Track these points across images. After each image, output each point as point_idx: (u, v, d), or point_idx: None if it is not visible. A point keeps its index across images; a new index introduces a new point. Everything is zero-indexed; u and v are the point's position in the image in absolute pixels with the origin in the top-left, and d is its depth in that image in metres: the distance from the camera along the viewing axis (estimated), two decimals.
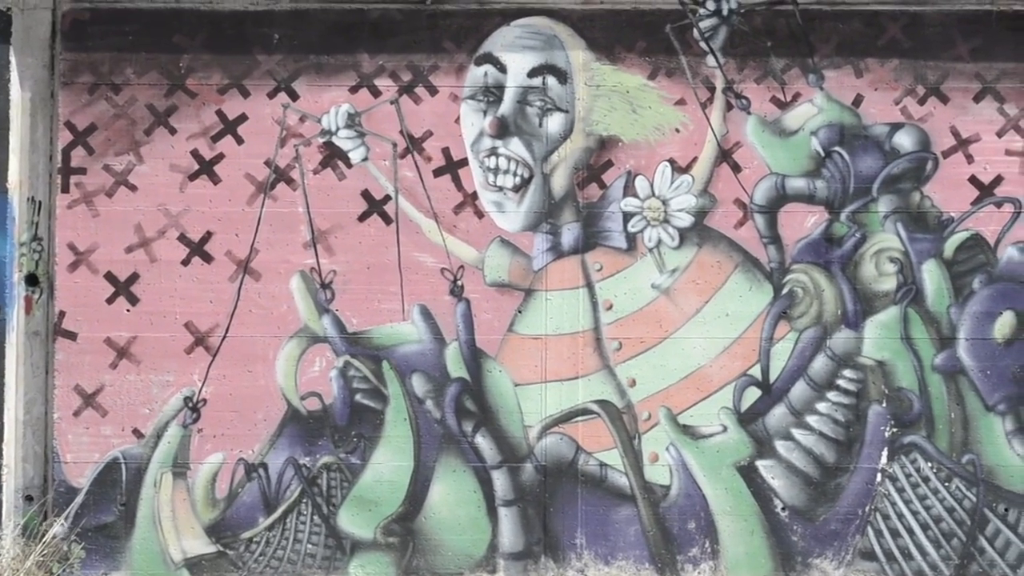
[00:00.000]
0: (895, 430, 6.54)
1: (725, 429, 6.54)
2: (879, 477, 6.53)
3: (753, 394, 6.55)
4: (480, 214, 6.61)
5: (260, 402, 6.55)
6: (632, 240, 6.60)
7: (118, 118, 6.63)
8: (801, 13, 6.62)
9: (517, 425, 6.55)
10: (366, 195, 6.61)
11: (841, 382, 6.55)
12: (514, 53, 6.63)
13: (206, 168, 6.61)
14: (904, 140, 6.60)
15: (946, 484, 6.52)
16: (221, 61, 6.63)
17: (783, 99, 6.62)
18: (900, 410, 6.54)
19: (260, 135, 6.61)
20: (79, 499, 6.53)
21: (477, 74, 6.64)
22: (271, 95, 6.63)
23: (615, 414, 6.56)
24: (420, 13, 6.64)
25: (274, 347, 6.55)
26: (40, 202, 6.60)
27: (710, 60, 6.63)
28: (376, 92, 6.63)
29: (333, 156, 6.62)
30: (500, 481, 6.53)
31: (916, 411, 6.53)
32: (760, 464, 6.54)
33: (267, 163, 6.61)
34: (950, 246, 6.57)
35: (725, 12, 6.62)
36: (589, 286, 6.59)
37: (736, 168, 6.60)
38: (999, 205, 6.59)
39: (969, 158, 6.60)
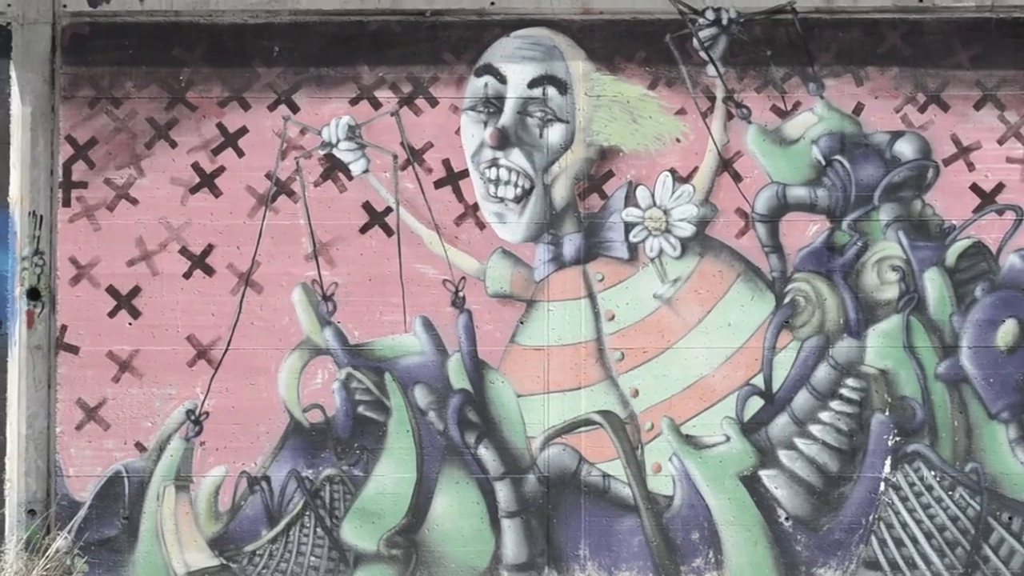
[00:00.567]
0: (898, 439, 6.53)
1: (728, 439, 6.54)
2: (883, 486, 6.52)
3: (756, 404, 6.55)
4: (481, 225, 6.61)
5: (262, 415, 6.55)
6: (634, 250, 6.60)
7: (119, 132, 6.63)
8: (800, 22, 6.63)
9: (520, 436, 6.55)
10: (367, 207, 6.61)
11: (844, 391, 6.54)
12: (514, 64, 6.64)
13: (207, 181, 6.62)
14: (905, 148, 6.60)
15: (950, 493, 6.51)
16: (221, 74, 6.63)
17: (783, 108, 6.62)
18: (903, 419, 6.53)
19: (261, 148, 6.61)
20: (82, 513, 6.53)
21: (477, 85, 6.64)
22: (271, 108, 6.63)
23: (618, 424, 6.56)
24: (420, 25, 6.64)
25: (276, 360, 6.55)
26: (41, 216, 6.60)
27: (710, 70, 6.63)
28: (376, 104, 6.64)
29: (334, 168, 6.62)
30: (503, 492, 6.53)
31: (919, 420, 6.53)
32: (763, 474, 6.53)
33: (268, 176, 6.62)
34: (952, 254, 6.57)
35: (724, 22, 6.62)
36: (591, 296, 6.59)
37: (737, 177, 6.60)
38: (1001, 213, 6.59)
39: (970, 166, 6.59)
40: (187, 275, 6.59)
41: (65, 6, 6.62)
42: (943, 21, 6.62)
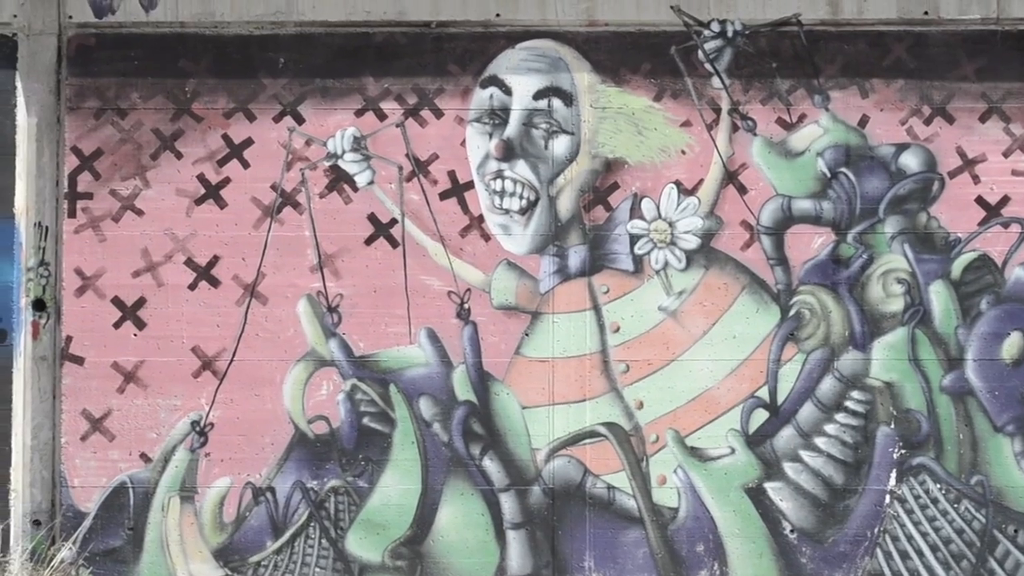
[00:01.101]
0: (903, 451, 6.52)
1: (733, 451, 6.53)
2: (888, 499, 6.51)
3: (761, 416, 6.54)
4: (486, 237, 6.61)
5: (267, 426, 6.55)
6: (639, 262, 6.60)
7: (124, 143, 6.64)
8: (806, 34, 6.63)
9: (525, 448, 6.55)
10: (372, 218, 6.61)
11: (849, 404, 6.54)
12: (519, 76, 6.64)
13: (212, 192, 6.62)
14: (910, 160, 6.60)
15: (955, 505, 6.50)
16: (227, 85, 6.64)
17: (789, 120, 6.62)
18: (908, 431, 6.53)
19: (266, 159, 6.62)
20: (87, 524, 6.53)
21: (482, 97, 6.64)
22: (277, 119, 6.64)
23: (623, 436, 6.55)
24: (425, 36, 6.65)
25: (281, 371, 6.55)
26: (47, 227, 6.61)
27: (715, 82, 6.63)
28: (382, 115, 6.64)
29: (339, 180, 6.62)
30: (508, 504, 6.53)
31: (924, 432, 6.52)
32: (768, 486, 6.53)
33: (273, 187, 6.62)
34: (957, 267, 6.56)
35: (730, 33, 6.62)
36: (596, 308, 6.58)
37: (742, 190, 6.60)
38: (1006, 225, 6.58)
39: (976, 178, 6.59)
40: (192, 286, 6.59)
41: (71, 17, 6.63)
42: (949, 33, 6.62)
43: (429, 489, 6.53)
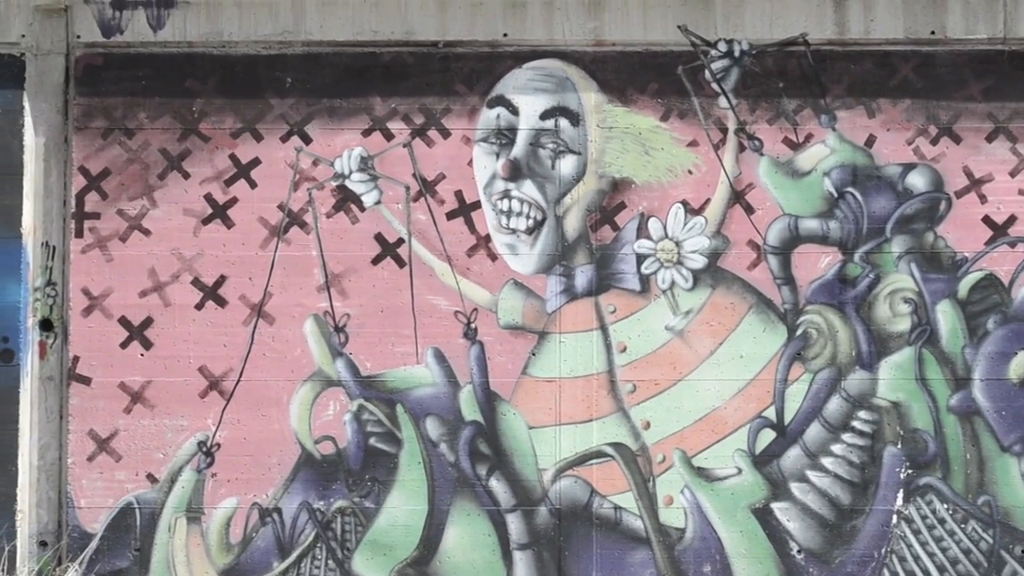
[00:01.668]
0: (910, 471, 6.52)
1: (740, 471, 6.53)
2: (895, 519, 6.51)
3: (768, 436, 6.54)
4: (493, 256, 6.61)
5: (274, 446, 6.54)
6: (646, 282, 6.60)
7: (132, 163, 6.64)
8: (813, 54, 6.63)
9: (531, 468, 6.54)
10: (379, 238, 6.61)
11: (856, 423, 6.54)
12: (526, 95, 6.64)
13: (219, 212, 6.62)
14: (917, 180, 6.60)
15: (962, 526, 6.49)
16: (234, 105, 6.64)
17: (795, 140, 6.63)
18: (915, 451, 6.52)
19: (273, 179, 6.62)
20: (93, 544, 6.52)
21: (489, 117, 6.65)
22: (284, 139, 6.64)
23: (629, 456, 6.55)
24: (432, 56, 6.65)
25: (288, 391, 6.55)
26: (54, 247, 6.61)
27: (722, 101, 6.63)
28: (389, 135, 6.65)
29: (346, 199, 6.62)
30: (514, 524, 6.52)
31: (931, 452, 6.51)
32: (775, 506, 6.52)
33: (280, 207, 6.62)
34: (964, 286, 6.56)
35: (737, 53, 6.63)
36: (603, 328, 6.58)
37: (749, 209, 6.60)
38: (1013, 245, 6.58)
39: (982, 198, 6.59)
40: (199, 306, 6.59)
41: (79, 37, 6.63)
42: (955, 53, 6.63)
43: (436, 509, 6.52)
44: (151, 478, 6.55)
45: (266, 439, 6.53)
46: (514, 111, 6.64)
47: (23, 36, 6.64)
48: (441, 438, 6.54)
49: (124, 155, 6.64)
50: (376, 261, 6.61)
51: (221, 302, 6.60)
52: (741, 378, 6.55)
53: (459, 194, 6.63)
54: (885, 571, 6.49)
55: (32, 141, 6.61)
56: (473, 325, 6.58)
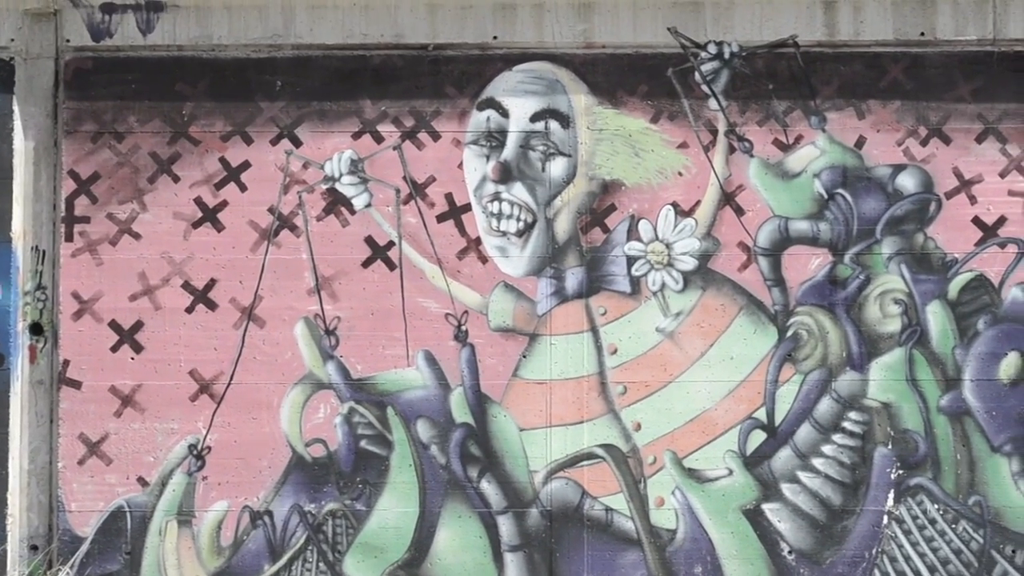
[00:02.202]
0: (901, 472, 6.52)
1: (731, 472, 6.53)
2: (886, 519, 6.51)
3: (758, 437, 6.54)
4: (484, 259, 6.61)
5: (265, 449, 6.54)
6: (636, 284, 6.60)
7: (121, 166, 6.64)
8: (802, 55, 6.64)
9: (522, 470, 6.54)
10: (370, 241, 6.61)
11: (846, 424, 6.54)
12: (516, 98, 6.64)
13: (209, 216, 6.62)
14: (907, 181, 6.61)
15: (953, 526, 6.50)
16: (224, 108, 6.64)
17: (785, 141, 6.63)
18: (906, 452, 6.53)
19: (263, 182, 6.62)
20: (84, 548, 6.51)
21: (479, 119, 6.65)
22: (274, 142, 6.64)
23: (620, 458, 6.55)
24: (422, 59, 6.65)
25: (279, 394, 6.55)
26: (44, 251, 6.60)
27: (712, 103, 6.64)
28: (379, 138, 6.65)
29: (336, 202, 6.62)
30: (506, 526, 6.52)
31: (922, 453, 6.52)
32: (766, 507, 6.53)
33: (270, 210, 6.62)
34: (954, 287, 6.57)
35: (727, 55, 6.63)
36: (593, 330, 6.58)
37: (739, 211, 6.60)
38: (1003, 246, 6.59)
39: (972, 199, 6.60)
40: (189, 310, 6.59)
41: (68, 41, 6.63)
42: (945, 54, 6.63)
43: (427, 512, 6.52)
44: (142, 481, 6.55)
45: (257, 442, 6.53)
46: (504, 113, 6.64)
47: (12, 40, 6.63)
48: (432, 440, 6.55)
49: (114, 159, 6.63)
50: (366, 264, 6.61)
51: (211, 305, 6.59)
52: (732, 379, 6.55)
53: (449, 197, 6.63)
54: (876, 571, 6.49)
55: (22, 145, 6.61)
56: (464, 327, 6.58)
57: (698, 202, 6.62)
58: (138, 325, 6.59)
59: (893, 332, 6.56)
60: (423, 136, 6.65)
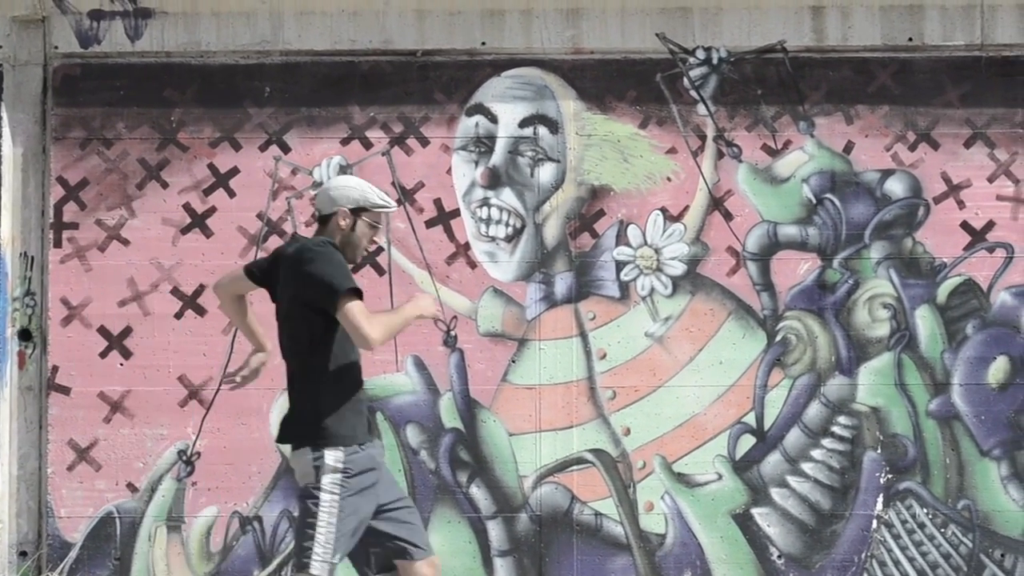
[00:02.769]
0: (890, 476, 6.53)
1: (720, 477, 6.54)
2: (875, 524, 6.52)
3: (748, 442, 6.55)
4: (473, 264, 6.61)
5: (254, 455, 6.54)
6: (625, 289, 6.61)
7: (110, 172, 6.64)
8: (791, 61, 6.64)
9: (512, 475, 6.55)
10: None
11: (836, 429, 6.55)
12: (505, 104, 6.65)
13: (198, 222, 6.62)
14: (895, 186, 6.62)
15: (942, 530, 6.51)
16: (212, 115, 6.64)
17: (774, 147, 6.64)
18: (895, 456, 6.54)
19: (252, 188, 6.62)
20: (73, 554, 6.51)
21: (468, 125, 6.65)
22: (263, 148, 6.64)
23: (610, 463, 6.56)
24: (411, 65, 6.65)
25: (268, 399, 6.54)
26: (33, 257, 6.60)
27: (701, 109, 6.64)
28: (367, 144, 6.65)
29: None
30: (495, 531, 6.53)
31: (911, 457, 6.53)
32: (755, 512, 6.54)
33: (259, 216, 6.62)
34: (943, 292, 6.58)
35: (715, 61, 6.64)
36: (583, 335, 6.59)
37: (728, 216, 6.61)
38: (991, 250, 6.60)
39: (960, 204, 6.61)
40: (178, 315, 6.59)
41: (56, 47, 6.62)
42: (933, 60, 6.64)
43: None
44: (131, 487, 6.55)
45: (246, 448, 6.53)
46: (493, 119, 6.65)
47: (0, 47, 6.62)
48: (421, 445, 6.55)
49: (102, 165, 6.63)
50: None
51: (200, 311, 6.59)
52: (721, 384, 6.56)
53: (438, 202, 6.64)
54: None
55: (10, 152, 6.60)
56: (453, 333, 6.58)
57: (687, 207, 6.62)
58: (127, 331, 6.59)
59: (882, 336, 6.57)
60: (412, 142, 6.65)
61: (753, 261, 6.59)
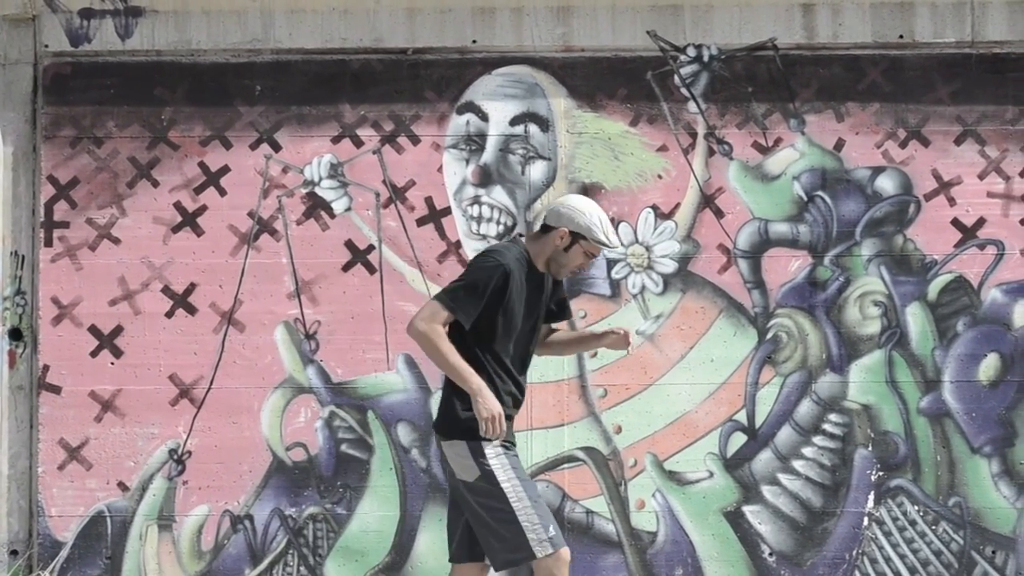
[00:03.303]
0: (881, 474, 6.54)
1: (711, 475, 6.54)
2: (866, 521, 6.53)
3: (739, 439, 6.55)
4: (464, 263, 6.60)
5: (245, 453, 6.54)
6: (616, 287, 6.61)
7: (100, 171, 6.63)
8: (781, 58, 6.64)
9: None
10: (349, 245, 6.61)
11: (827, 426, 6.55)
12: (496, 102, 6.65)
13: (189, 220, 6.62)
14: (886, 183, 6.62)
15: (933, 527, 6.52)
16: (203, 113, 6.64)
17: (765, 144, 6.64)
18: (886, 454, 6.54)
19: (243, 186, 6.62)
20: (64, 553, 6.51)
21: (459, 123, 6.65)
22: (253, 146, 6.63)
23: (601, 461, 6.56)
24: (401, 63, 6.65)
25: (259, 398, 6.55)
26: (23, 256, 6.60)
27: (691, 106, 6.64)
28: (358, 142, 6.65)
29: (316, 206, 6.62)
30: None
31: (902, 454, 6.54)
32: (747, 509, 6.54)
33: (250, 214, 6.62)
34: (934, 289, 6.58)
35: (706, 58, 6.64)
36: None
37: (719, 213, 6.61)
38: (982, 247, 6.60)
39: (951, 201, 6.61)
40: (169, 314, 6.59)
41: (47, 46, 6.62)
42: (923, 57, 6.64)
43: (407, 515, 6.53)
44: (122, 486, 6.54)
45: (237, 446, 6.53)
46: (484, 117, 6.65)
47: None
48: (413, 444, 6.55)
49: (93, 164, 6.63)
50: (347, 268, 6.61)
51: (191, 310, 6.59)
52: (712, 382, 6.56)
53: (429, 200, 6.64)
54: (856, 573, 6.50)
55: (0, 150, 6.60)
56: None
57: (678, 205, 6.63)
58: (118, 330, 6.58)
59: (873, 334, 6.57)
60: (403, 140, 6.65)
61: (744, 259, 6.59)
